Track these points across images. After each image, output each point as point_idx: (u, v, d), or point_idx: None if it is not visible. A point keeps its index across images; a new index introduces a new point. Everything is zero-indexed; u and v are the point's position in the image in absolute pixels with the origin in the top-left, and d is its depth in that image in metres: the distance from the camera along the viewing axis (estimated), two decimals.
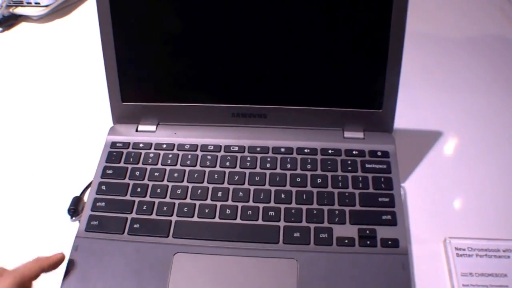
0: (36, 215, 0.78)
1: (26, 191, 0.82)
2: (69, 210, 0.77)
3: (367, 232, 0.67)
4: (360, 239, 0.67)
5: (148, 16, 0.75)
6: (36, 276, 0.61)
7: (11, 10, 1.21)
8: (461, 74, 1.01)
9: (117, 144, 0.79)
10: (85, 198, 0.77)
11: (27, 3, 1.21)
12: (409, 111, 0.89)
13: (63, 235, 0.73)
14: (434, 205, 0.77)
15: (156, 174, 0.75)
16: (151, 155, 0.77)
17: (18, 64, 1.11)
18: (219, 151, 0.77)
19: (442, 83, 0.99)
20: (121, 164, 0.77)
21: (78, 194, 0.79)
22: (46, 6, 1.21)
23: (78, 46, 1.14)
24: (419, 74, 1.00)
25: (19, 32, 1.22)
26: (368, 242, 0.67)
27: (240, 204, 0.71)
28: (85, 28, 1.18)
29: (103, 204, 0.72)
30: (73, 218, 0.77)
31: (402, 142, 0.80)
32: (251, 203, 0.71)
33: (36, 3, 1.20)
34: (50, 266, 0.63)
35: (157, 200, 0.72)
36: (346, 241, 0.67)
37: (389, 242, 0.67)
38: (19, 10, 1.21)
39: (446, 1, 1.24)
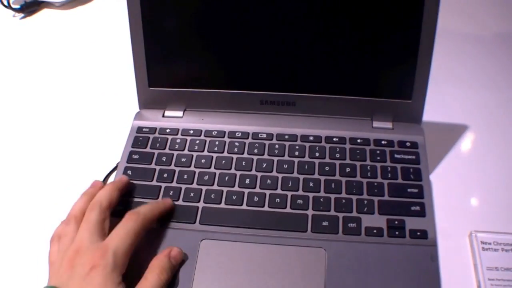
0: (61, 198, 0.77)
1: (52, 175, 0.83)
2: None
3: (396, 222, 0.67)
4: (389, 230, 0.67)
5: (177, 3, 0.74)
6: (155, 219, 0.66)
7: None
8: (488, 71, 1.00)
9: (144, 129, 0.79)
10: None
11: None
12: (437, 105, 0.89)
13: None
14: (460, 199, 0.76)
15: (183, 160, 0.75)
16: (178, 140, 0.77)
17: (41, 50, 1.11)
18: (247, 138, 0.77)
19: (470, 79, 0.98)
20: (148, 149, 0.77)
21: (101, 179, 0.79)
22: None
23: (101, 33, 1.14)
24: (447, 70, 0.99)
25: (42, 18, 1.21)
26: (397, 233, 0.66)
27: (268, 192, 0.71)
28: (108, 14, 1.18)
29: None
30: None
31: (429, 135, 0.79)
32: (279, 191, 0.71)
33: None
34: (165, 210, 0.68)
35: (184, 186, 0.72)
36: (375, 231, 0.67)
37: (418, 233, 0.66)
38: None
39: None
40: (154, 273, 0.60)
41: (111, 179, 0.75)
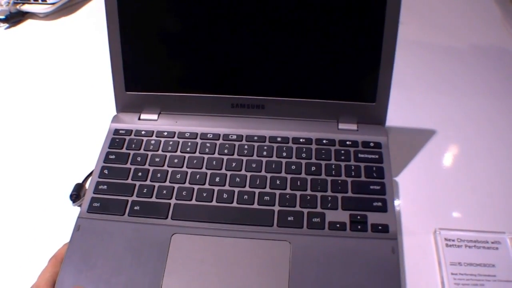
0: (39, 200, 0.80)
1: (30, 178, 0.85)
2: (71, 196, 0.80)
3: (358, 217, 0.70)
4: (352, 224, 0.69)
5: (153, 9, 0.77)
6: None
7: (18, 7, 1.23)
8: (456, 79, 1.04)
9: (120, 131, 0.81)
10: (87, 185, 0.79)
11: (34, 1, 1.22)
12: (405, 111, 0.92)
13: (65, 219, 0.75)
14: (425, 199, 0.79)
15: (157, 159, 0.77)
16: (153, 142, 0.80)
17: (24, 60, 1.13)
18: (218, 139, 0.79)
19: (438, 86, 1.02)
20: (124, 150, 0.79)
21: (80, 181, 0.81)
22: (53, 3, 1.23)
23: (83, 43, 1.16)
24: (417, 77, 1.03)
25: (26, 29, 1.24)
26: (359, 227, 0.69)
27: (236, 189, 0.73)
28: (90, 25, 1.20)
29: (105, 187, 0.74)
30: (75, 203, 0.79)
31: (397, 138, 0.83)
32: (247, 188, 0.73)
33: (42, 0, 1.22)
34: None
35: (157, 184, 0.74)
36: (338, 225, 0.69)
37: (379, 227, 0.69)
38: (26, 7, 1.23)
39: (447, 9, 1.27)
40: None
41: (89, 183, 0.77)
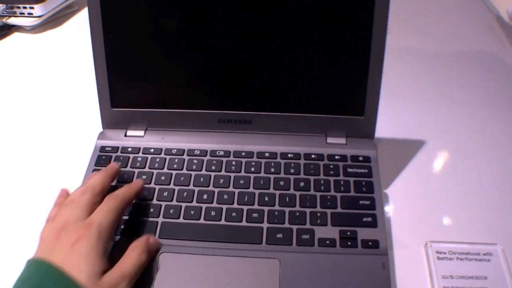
0: (24, 220, 0.79)
1: (15, 195, 0.84)
2: None
3: (348, 233, 0.69)
4: (341, 240, 0.68)
5: (137, 25, 0.77)
6: (132, 198, 0.69)
7: (4, 20, 1.22)
8: (445, 88, 1.03)
9: (106, 148, 0.80)
10: None
11: (20, 13, 1.21)
12: (393, 122, 0.92)
13: None
14: (416, 211, 0.78)
15: (144, 177, 0.76)
16: (139, 159, 0.79)
17: (10, 74, 1.12)
18: (205, 156, 0.79)
19: (426, 95, 1.01)
20: None
21: None
22: (39, 16, 1.22)
23: (70, 57, 1.15)
24: (404, 87, 1.02)
25: (12, 42, 1.23)
26: (349, 243, 0.68)
27: (224, 206, 0.72)
28: (77, 39, 1.20)
29: None
30: None
31: (386, 150, 0.82)
32: (235, 205, 0.72)
33: (29, 13, 1.21)
34: (139, 190, 0.71)
35: (144, 203, 0.73)
36: (328, 242, 0.68)
37: (370, 243, 0.68)
38: (12, 20, 1.22)
39: (436, 17, 1.27)
40: (135, 253, 0.63)
41: None
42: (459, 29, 1.21)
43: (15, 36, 1.25)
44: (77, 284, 0.55)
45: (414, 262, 0.72)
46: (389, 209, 0.79)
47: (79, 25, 1.24)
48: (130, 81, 0.80)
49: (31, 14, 1.22)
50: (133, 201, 0.71)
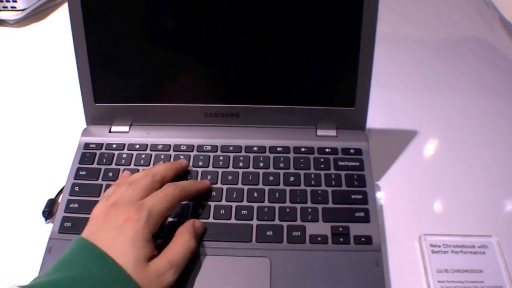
0: (10, 217, 0.77)
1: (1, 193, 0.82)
2: (43, 213, 0.76)
3: (340, 229, 0.67)
4: (333, 237, 0.67)
5: (119, 18, 0.74)
6: (193, 194, 0.69)
7: None
8: (436, 76, 1.02)
9: (90, 145, 0.78)
10: (60, 200, 0.76)
11: (3, 7, 1.20)
12: (385, 112, 0.90)
13: (37, 237, 0.72)
14: (409, 203, 0.77)
15: None
16: (124, 155, 0.77)
17: None
18: (192, 151, 0.77)
19: (417, 85, 1.00)
20: (94, 165, 0.76)
21: (53, 196, 0.78)
22: (22, 10, 1.20)
23: (54, 50, 1.14)
24: (394, 76, 1.01)
25: None
26: (341, 240, 0.67)
27: (212, 204, 0.71)
28: (61, 32, 1.18)
29: (76, 205, 0.72)
30: (48, 220, 0.76)
31: (378, 141, 0.80)
32: (223, 202, 0.71)
33: (12, 7, 1.19)
34: (203, 188, 0.71)
35: None
36: (319, 238, 0.67)
37: (362, 239, 0.67)
38: None
39: (423, 3, 1.25)
40: (183, 238, 0.62)
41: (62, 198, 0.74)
42: (447, 15, 1.20)
43: None
44: (122, 269, 0.54)
45: (407, 256, 0.70)
46: (381, 201, 0.77)
47: (64, 18, 1.21)
48: (113, 75, 0.78)
49: (14, 7, 1.20)
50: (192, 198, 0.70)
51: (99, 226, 0.59)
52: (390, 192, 0.79)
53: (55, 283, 0.53)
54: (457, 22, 1.17)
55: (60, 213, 0.71)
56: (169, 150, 0.77)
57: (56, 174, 0.80)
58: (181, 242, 0.62)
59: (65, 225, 0.69)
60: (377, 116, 0.85)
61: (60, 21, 1.23)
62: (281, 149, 0.77)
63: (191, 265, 0.64)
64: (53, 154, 0.87)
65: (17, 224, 0.72)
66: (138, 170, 0.75)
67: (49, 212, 0.76)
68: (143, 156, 0.77)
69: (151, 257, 0.58)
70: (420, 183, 0.80)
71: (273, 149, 0.77)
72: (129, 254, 0.56)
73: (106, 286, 0.53)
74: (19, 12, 1.21)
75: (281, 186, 0.72)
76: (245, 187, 0.72)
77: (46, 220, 0.76)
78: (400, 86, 0.99)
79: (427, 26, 1.16)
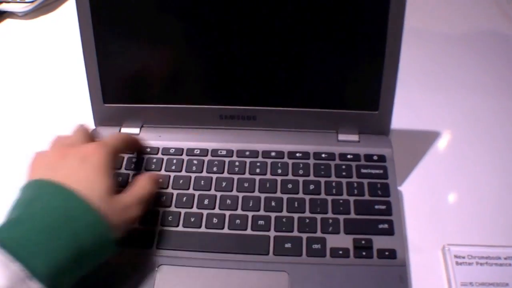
0: None
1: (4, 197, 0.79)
2: None
3: (363, 242, 0.64)
4: (355, 250, 0.64)
5: (130, 13, 0.72)
6: (122, 149, 0.67)
7: None
8: (457, 73, 0.98)
9: None
10: None
11: None
12: (405, 112, 0.86)
13: None
14: (432, 210, 0.74)
15: None
16: (134, 159, 0.74)
17: (2, 60, 1.09)
18: (206, 156, 0.74)
19: (438, 82, 0.96)
20: None
21: None
22: (31, 2, 1.19)
23: (62, 43, 1.12)
24: (414, 73, 0.97)
25: (4, 29, 1.20)
26: (364, 253, 0.64)
27: (227, 213, 0.68)
28: (70, 24, 1.14)
29: None
30: None
31: (398, 143, 0.77)
32: (239, 211, 0.68)
33: None
34: (132, 144, 0.71)
35: None
36: (341, 252, 0.64)
37: (386, 253, 0.64)
38: (3, 6, 1.19)
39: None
40: (145, 181, 0.63)
41: None
42: (464, 9, 1.16)
43: (7, 22, 1.21)
44: (88, 201, 0.53)
45: (430, 268, 0.67)
46: (403, 208, 0.74)
47: (74, 11, 1.19)
48: (123, 74, 0.75)
49: None
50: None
51: (55, 165, 0.57)
52: (412, 198, 0.75)
53: (13, 223, 0.51)
54: (475, 17, 1.14)
55: None
56: (181, 154, 0.75)
57: None
58: (144, 183, 0.63)
59: None
60: (398, 116, 0.82)
61: (70, 13, 1.20)
62: (300, 154, 0.74)
63: (203, 278, 0.62)
64: None
65: None
66: None
67: None
68: (154, 160, 0.74)
69: (116, 192, 0.58)
70: (444, 188, 0.77)
71: (292, 154, 0.74)
72: (95, 184, 0.55)
73: (71, 220, 0.52)
74: (28, 4, 1.19)
75: (300, 195, 0.69)
76: (262, 195, 0.69)
77: None
78: (421, 85, 0.96)
79: (442, 21, 1.13)
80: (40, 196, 0.54)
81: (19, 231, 0.51)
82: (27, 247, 0.49)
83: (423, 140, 0.85)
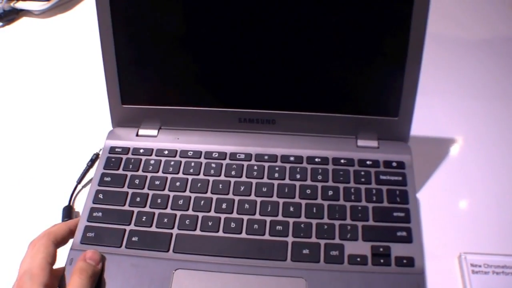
0: (30, 222, 0.75)
1: (20, 197, 0.80)
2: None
3: (381, 249, 0.64)
4: (373, 257, 0.63)
5: (150, 14, 0.72)
6: (66, 236, 0.65)
7: (12, 4, 1.19)
8: (476, 79, 0.98)
9: (116, 150, 0.76)
10: (75, 205, 0.76)
11: None
12: (423, 118, 0.85)
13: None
14: (449, 218, 0.74)
15: (157, 182, 0.71)
16: (152, 162, 0.74)
17: (18, 60, 1.10)
18: (224, 159, 0.74)
19: (457, 88, 0.96)
20: (120, 171, 0.73)
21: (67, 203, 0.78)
22: (48, 0, 1.19)
23: (79, 43, 1.12)
24: (432, 79, 0.96)
25: (20, 27, 1.20)
26: (382, 261, 0.63)
27: (245, 217, 0.67)
28: (87, 24, 1.15)
29: (100, 214, 0.69)
30: None
31: (415, 150, 0.76)
32: (257, 216, 0.68)
33: None
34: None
35: (157, 211, 0.69)
36: (359, 259, 0.63)
37: (404, 261, 0.63)
38: (20, 5, 1.20)
39: (459, 2, 1.20)
40: (75, 276, 0.60)
41: (80, 203, 0.72)
42: (481, 13, 1.15)
43: (23, 21, 1.22)
44: None
45: (447, 276, 0.67)
46: (420, 215, 0.74)
47: (90, 10, 1.19)
48: (142, 75, 0.75)
49: None
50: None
51: None
52: (428, 205, 0.75)
53: None
54: (492, 22, 1.13)
55: (82, 222, 0.68)
56: (199, 157, 0.74)
57: (77, 178, 0.79)
58: (73, 280, 0.60)
59: (87, 235, 0.67)
60: (416, 122, 0.82)
61: (87, 11, 1.22)
62: (319, 159, 0.73)
63: (220, 283, 0.62)
64: (76, 156, 0.85)
65: (37, 229, 0.69)
66: (166, 178, 0.72)
67: (68, 220, 0.74)
68: (172, 163, 0.74)
69: None
70: (461, 196, 0.77)
71: (310, 159, 0.73)
72: None
73: None
74: (45, 2, 1.19)
75: (319, 201, 0.69)
76: (281, 201, 0.69)
77: None
78: (439, 91, 0.95)
79: (460, 26, 1.12)
80: None
81: None
82: None
83: (440, 147, 0.84)
